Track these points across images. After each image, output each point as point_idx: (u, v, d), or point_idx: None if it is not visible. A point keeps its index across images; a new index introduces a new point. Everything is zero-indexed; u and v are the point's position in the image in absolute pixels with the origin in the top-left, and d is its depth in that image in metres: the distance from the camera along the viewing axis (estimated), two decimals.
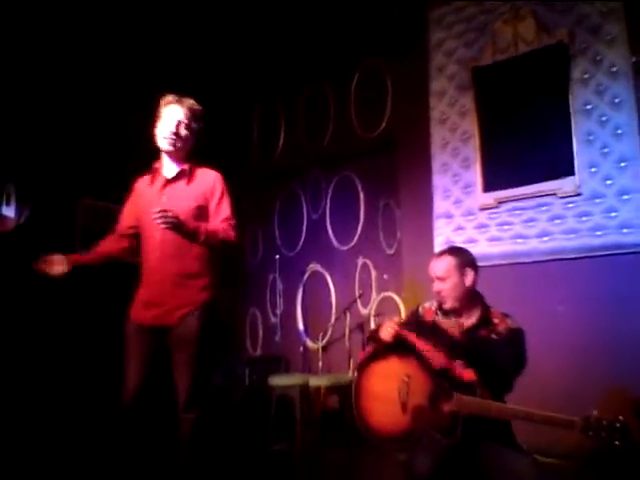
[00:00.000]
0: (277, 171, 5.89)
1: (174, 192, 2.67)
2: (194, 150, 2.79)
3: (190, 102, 2.72)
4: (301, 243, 5.70)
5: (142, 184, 2.79)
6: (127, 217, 2.81)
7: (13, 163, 4.56)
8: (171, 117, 2.66)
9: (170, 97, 2.72)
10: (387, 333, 2.33)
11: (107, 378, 4.01)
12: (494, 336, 2.27)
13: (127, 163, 5.05)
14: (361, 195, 5.25)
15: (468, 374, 2.14)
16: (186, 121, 2.67)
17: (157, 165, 2.75)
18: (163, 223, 2.40)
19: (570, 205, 3.88)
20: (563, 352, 3.68)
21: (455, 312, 2.38)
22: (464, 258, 2.40)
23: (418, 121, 4.67)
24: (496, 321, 2.30)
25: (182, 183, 2.69)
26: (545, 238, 3.97)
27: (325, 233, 5.50)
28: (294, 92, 5.79)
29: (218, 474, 2.87)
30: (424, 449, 2.10)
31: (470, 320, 2.34)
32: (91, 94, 5.02)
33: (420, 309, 2.51)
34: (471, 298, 2.36)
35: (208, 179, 2.72)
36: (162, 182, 2.70)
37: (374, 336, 2.43)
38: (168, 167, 2.73)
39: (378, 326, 2.45)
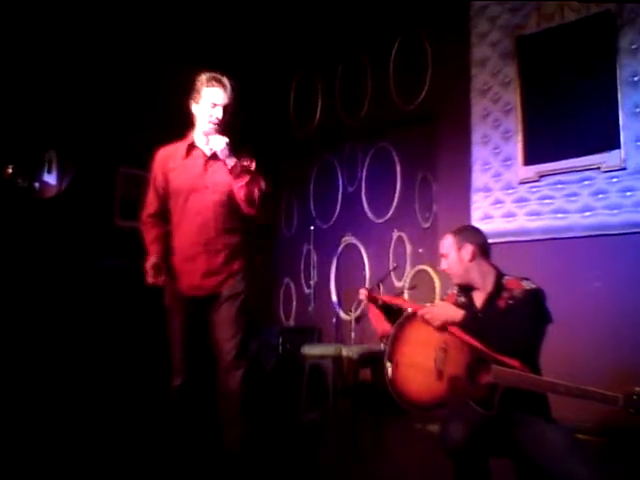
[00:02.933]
0: (313, 142, 5.86)
1: (217, 169, 2.71)
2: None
3: (230, 84, 2.71)
4: (336, 215, 5.68)
5: (169, 159, 2.77)
6: (159, 202, 2.80)
7: (55, 131, 4.64)
8: (216, 101, 2.67)
9: (212, 77, 2.70)
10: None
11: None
12: (511, 302, 2.25)
13: (165, 132, 5.11)
14: (398, 167, 5.19)
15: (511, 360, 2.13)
16: (230, 106, 2.69)
17: (191, 141, 2.76)
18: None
19: (614, 180, 3.77)
20: (599, 329, 3.62)
21: (468, 288, 2.37)
22: (463, 235, 2.41)
23: (458, 91, 4.57)
24: (512, 287, 2.27)
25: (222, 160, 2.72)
26: (587, 213, 3.87)
27: (360, 205, 5.47)
28: (332, 63, 5.72)
29: (250, 442, 2.91)
30: (458, 418, 2.09)
31: (485, 292, 2.32)
32: (132, 63, 5.06)
33: (444, 297, 2.53)
34: (481, 272, 2.34)
35: (247, 160, 2.75)
36: (203, 158, 2.73)
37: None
38: (206, 143, 2.74)
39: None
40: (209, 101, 2.67)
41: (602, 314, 3.66)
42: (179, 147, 2.77)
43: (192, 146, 2.75)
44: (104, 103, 4.91)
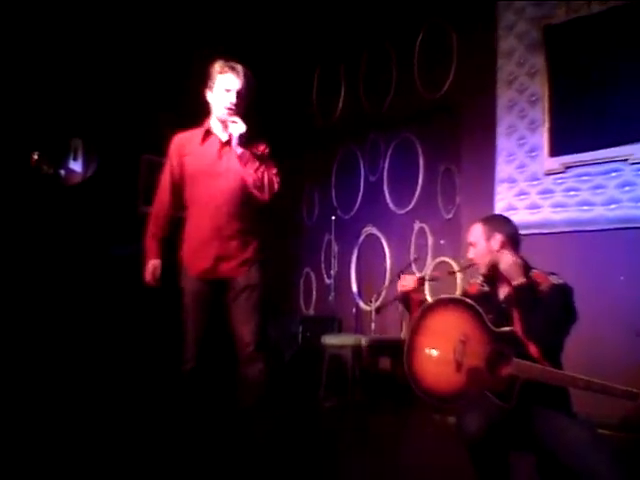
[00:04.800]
0: (336, 131, 5.84)
1: (231, 155, 2.74)
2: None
3: (245, 70, 2.74)
4: (357, 205, 5.68)
5: (185, 144, 2.82)
6: (172, 189, 2.84)
7: (81, 119, 4.69)
8: (229, 87, 2.70)
9: (224, 64, 2.74)
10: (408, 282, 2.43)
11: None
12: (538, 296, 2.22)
13: (189, 120, 5.14)
14: (421, 158, 5.16)
15: (533, 348, 2.12)
16: (243, 91, 2.71)
17: (207, 127, 2.80)
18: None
19: None
20: (624, 323, 3.57)
21: (493, 279, 2.34)
22: (493, 224, 2.39)
23: (484, 82, 4.53)
24: (539, 281, 2.24)
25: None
26: (612, 206, 3.81)
27: (382, 196, 5.45)
28: (356, 51, 5.69)
29: (270, 430, 2.94)
30: (476, 410, 2.08)
31: (512, 284, 2.28)
32: (157, 51, 5.09)
33: (466, 286, 2.50)
34: (508, 263, 2.30)
35: (261, 146, 2.80)
36: (218, 145, 2.77)
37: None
38: (222, 130, 2.78)
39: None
40: (222, 87, 2.71)
41: (626, 308, 3.61)
42: (196, 133, 2.82)
43: (208, 132, 2.79)
44: (129, 91, 4.95)
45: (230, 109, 2.69)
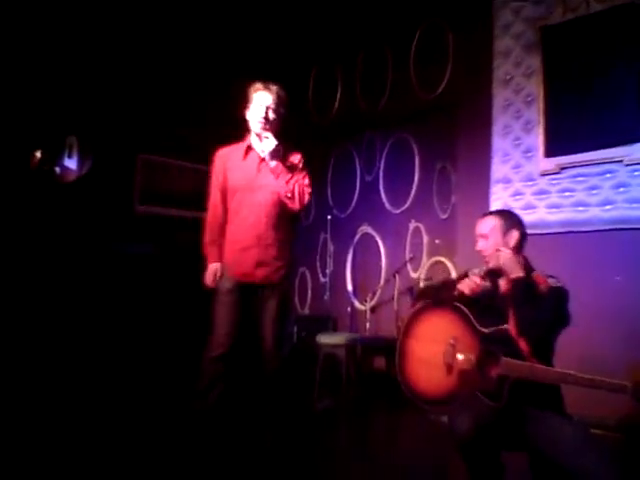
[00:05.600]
0: (332, 130, 5.84)
1: (268, 169, 2.98)
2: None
3: (276, 88, 3.01)
4: (353, 204, 5.68)
5: (228, 159, 3.07)
6: (222, 199, 3.08)
7: (76, 116, 4.67)
8: (261, 103, 2.96)
9: (259, 84, 3.00)
10: (469, 287, 2.31)
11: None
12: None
13: (186, 120, 5.14)
14: (416, 157, 5.16)
15: (523, 343, 2.13)
16: (274, 106, 2.97)
17: (248, 143, 3.04)
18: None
19: (637, 173, 3.70)
20: (619, 323, 3.58)
21: (497, 274, 2.34)
22: (510, 219, 2.37)
23: (480, 82, 4.53)
24: (537, 282, 2.25)
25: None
26: (608, 207, 3.82)
27: (378, 195, 5.45)
28: (353, 51, 5.69)
29: (263, 428, 2.99)
30: (466, 411, 2.09)
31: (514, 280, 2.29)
32: (153, 51, 5.07)
33: (470, 274, 2.47)
34: (517, 260, 2.30)
35: (294, 157, 3.05)
36: (257, 160, 3.01)
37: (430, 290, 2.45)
38: (261, 146, 3.01)
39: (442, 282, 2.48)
40: (257, 104, 2.98)
41: (622, 308, 3.62)
42: (238, 148, 3.08)
43: (249, 148, 3.05)
44: (125, 90, 4.94)
45: (263, 123, 2.94)
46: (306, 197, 2.96)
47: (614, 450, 2.99)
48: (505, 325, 2.17)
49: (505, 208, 2.49)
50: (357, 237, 5.60)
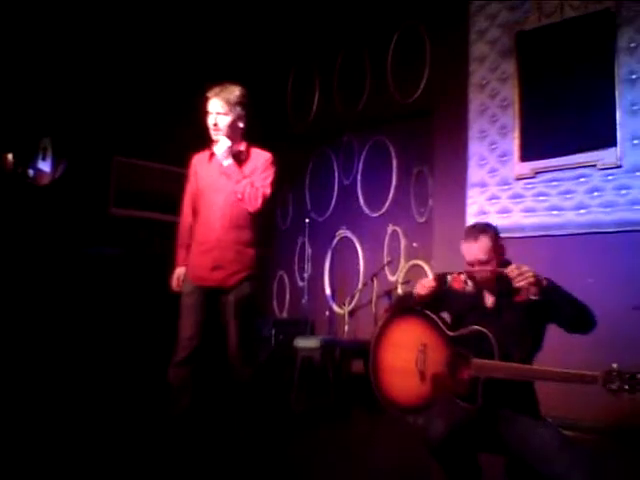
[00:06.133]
0: (310, 134, 5.84)
1: (231, 172, 2.96)
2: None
3: (225, 93, 2.95)
4: (331, 208, 5.68)
5: (200, 163, 3.10)
6: (191, 202, 3.10)
7: (50, 118, 4.61)
8: (210, 110, 2.96)
9: (211, 91, 2.97)
10: (423, 287, 2.31)
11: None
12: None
13: (161, 122, 5.10)
14: (394, 161, 5.19)
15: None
16: (223, 111, 2.94)
17: (214, 149, 3.00)
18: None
19: (610, 177, 3.77)
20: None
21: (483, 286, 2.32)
22: (494, 230, 2.32)
23: (456, 86, 4.57)
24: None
25: (237, 163, 2.98)
26: (582, 211, 3.88)
27: (356, 199, 5.46)
28: (330, 55, 5.69)
29: (241, 432, 2.97)
30: (439, 415, 2.09)
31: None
32: (127, 53, 5.03)
33: (449, 277, 2.46)
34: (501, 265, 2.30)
35: (260, 158, 3.04)
36: (219, 163, 2.98)
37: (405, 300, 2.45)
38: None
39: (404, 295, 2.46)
40: (209, 111, 2.97)
41: (595, 311, 3.65)
42: (207, 153, 3.08)
43: (213, 153, 3.02)
44: (99, 92, 4.88)
45: (213, 130, 2.95)
46: (259, 199, 2.90)
47: (588, 452, 3.02)
48: (472, 327, 2.16)
49: (480, 222, 2.42)
50: (335, 241, 5.60)
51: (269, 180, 2.98)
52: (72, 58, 4.72)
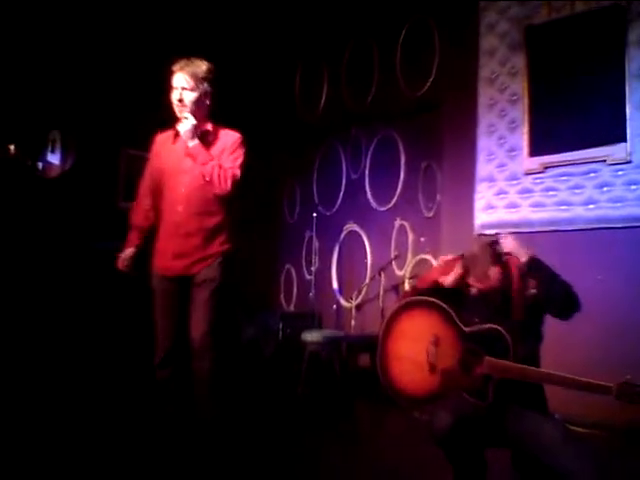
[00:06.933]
0: (318, 127, 5.83)
1: (197, 153, 2.76)
2: (217, 107, 2.87)
3: (192, 67, 2.77)
4: (339, 202, 5.68)
5: (162, 143, 2.90)
6: (149, 184, 2.90)
7: (59, 111, 4.62)
8: (175, 85, 2.77)
9: (176, 65, 2.79)
10: (447, 278, 2.33)
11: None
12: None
13: (170, 115, 5.10)
14: (402, 155, 5.17)
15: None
16: (188, 87, 2.75)
17: (178, 128, 2.80)
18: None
19: (619, 173, 3.75)
20: (600, 322, 3.61)
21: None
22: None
23: (465, 80, 4.54)
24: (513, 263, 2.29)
25: (204, 144, 2.78)
26: (591, 206, 3.86)
27: (363, 193, 5.45)
28: (339, 48, 5.68)
29: (246, 426, 2.94)
30: (446, 408, 2.09)
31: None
32: (136, 46, 5.03)
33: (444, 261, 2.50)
34: None
35: (228, 139, 2.83)
36: (184, 144, 2.78)
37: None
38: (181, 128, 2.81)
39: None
40: (173, 86, 2.78)
41: (603, 307, 3.64)
42: (171, 133, 2.86)
43: (177, 133, 2.81)
44: (108, 84, 4.89)
45: (176, 106, 2.76)
46: (228, 181, 2.68)
47: (595, 448, 3.02)
48: (489, 325, 2.18)
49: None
50: (343, 235, 5.60)
51: (239, 161, 2.76)
52: (80, 51, 4.73)
